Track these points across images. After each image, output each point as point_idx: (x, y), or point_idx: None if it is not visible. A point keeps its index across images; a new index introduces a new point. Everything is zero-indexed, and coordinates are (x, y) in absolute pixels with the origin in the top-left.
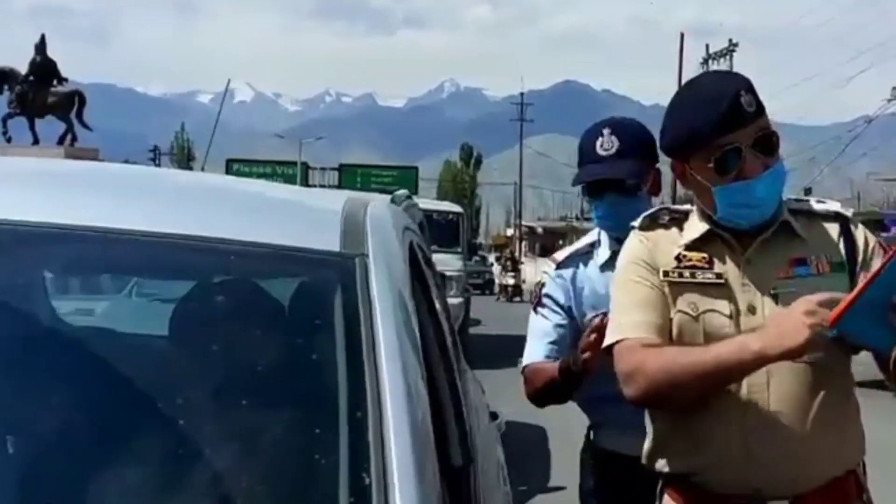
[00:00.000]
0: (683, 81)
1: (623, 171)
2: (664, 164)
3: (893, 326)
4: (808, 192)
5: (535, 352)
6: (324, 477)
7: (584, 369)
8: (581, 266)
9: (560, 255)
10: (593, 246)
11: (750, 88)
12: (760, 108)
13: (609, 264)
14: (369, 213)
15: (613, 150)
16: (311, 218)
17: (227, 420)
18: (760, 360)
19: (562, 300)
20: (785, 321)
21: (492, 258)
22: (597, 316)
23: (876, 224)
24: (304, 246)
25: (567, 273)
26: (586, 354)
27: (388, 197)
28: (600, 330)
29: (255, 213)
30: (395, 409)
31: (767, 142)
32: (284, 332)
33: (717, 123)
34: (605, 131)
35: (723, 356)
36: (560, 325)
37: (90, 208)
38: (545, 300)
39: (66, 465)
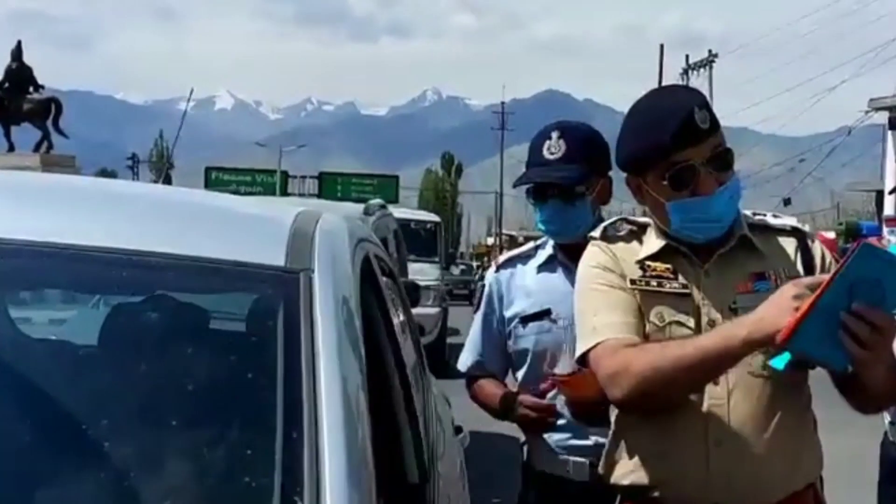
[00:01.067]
0: None
1: (566, 175)
2: (618, 173)
3: (844, 346)
4: (787, 202)
5: (467, 356)
6: (255, 499)
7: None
8: (519, 266)
9: (503, 256)
10: (539, 248)
11: (704, 105)
12: (715, 125)
13: (547, 266)
14: (320, 226)
15: (560, 153)
16: (258, 231)
17: (156, 440)
18: (748, 347)
19: (495, 303)
20: (774, 305)
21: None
22: (537, 388)
23: (853, 233)
24: (247, 260)
25: (505, 274)
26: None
27: (357, 209)
28: (537, 409)
29: (200, 226)
30: (332, 430)
31: (722, 158)
32: (221, 349)
33: (671, 141)
34: (554, 134)
35: (710, 346)
36: (494, 329)
37: (31, 222)
38: (483, 303)
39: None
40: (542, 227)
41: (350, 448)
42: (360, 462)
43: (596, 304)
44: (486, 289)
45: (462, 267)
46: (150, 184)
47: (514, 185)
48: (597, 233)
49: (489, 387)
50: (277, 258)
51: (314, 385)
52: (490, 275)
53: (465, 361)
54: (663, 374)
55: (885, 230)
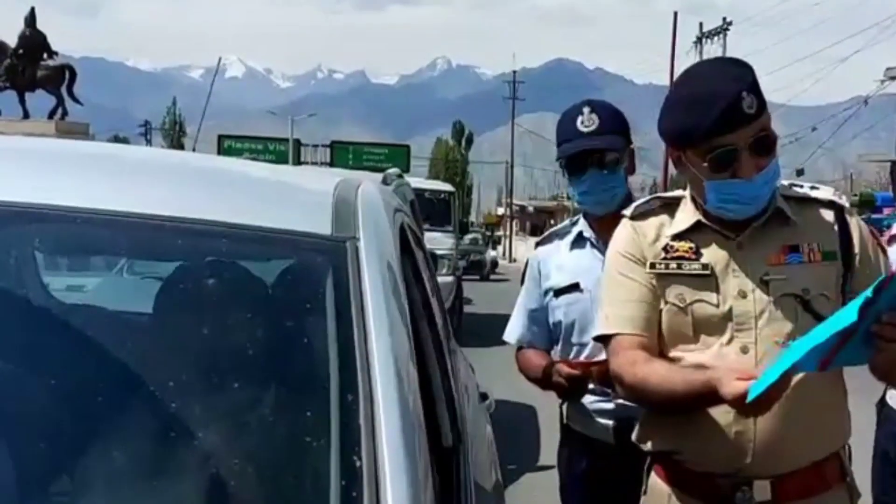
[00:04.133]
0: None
1: (607, 143)
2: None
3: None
4: (799, 173)
5: (513, 329)
6: (315, 459)
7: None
8: (556, 242)
9: (545, 234)
10: (574, 224)
11: (753, 87)
12: (762, 108)
13: (578, 242)
14: (360, 195)
15: (594, 126)
16: (302, 200)
17: (217, 402)
18: (710, 402)
19: (537, 278)
20: (728, 376)
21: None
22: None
23: (868, 205)
24: (295, 229)
25: (542, 251)
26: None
27: (380, 177)
28: (570, 379)
29: (247, 195)
30: (386, 392)
31: (765, 143)
32: (274, 315)
33: (715, 124)
34: (586, 109)
35: (681, 395)
36: (535, 303)
37: (79, 189)
38: (527, 277)
39: (55, 442)
40: (579, 199)
41: (403, 409)
42: (413, 423)
43: (613, 293)
44: (528, 264)
45: (472, 236)
46: (190, 152)
47: (557, 159)
48: (628, 211)
49: (534, 358)
50: (324, 227)
51: (366, 350)
52: (531, 251)
53: (510, 334)
54: (645, 395)
55: None
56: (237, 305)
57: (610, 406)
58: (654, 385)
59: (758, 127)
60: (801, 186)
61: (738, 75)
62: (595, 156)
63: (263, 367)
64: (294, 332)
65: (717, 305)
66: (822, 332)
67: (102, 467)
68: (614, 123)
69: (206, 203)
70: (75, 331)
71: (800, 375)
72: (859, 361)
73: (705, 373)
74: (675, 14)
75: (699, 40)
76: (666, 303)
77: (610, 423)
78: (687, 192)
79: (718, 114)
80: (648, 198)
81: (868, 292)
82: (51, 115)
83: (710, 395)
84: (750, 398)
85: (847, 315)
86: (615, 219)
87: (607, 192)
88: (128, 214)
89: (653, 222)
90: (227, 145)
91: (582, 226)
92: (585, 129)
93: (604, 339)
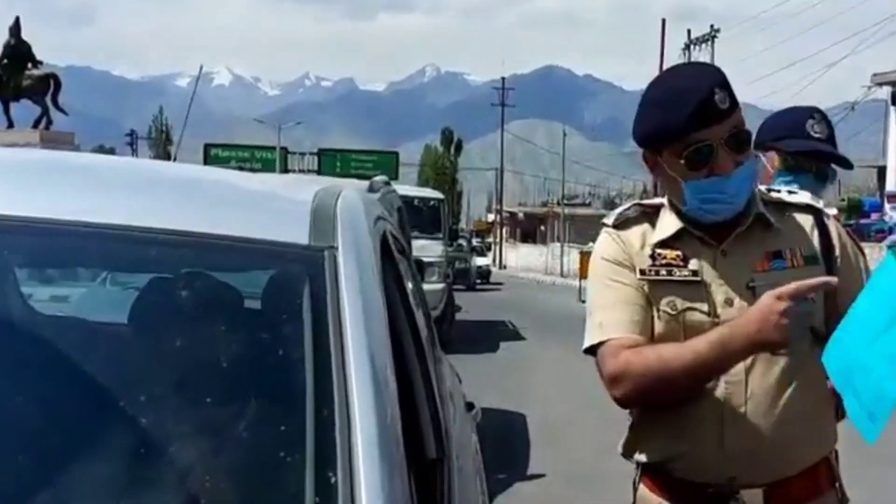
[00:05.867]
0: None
1: (837, 153)
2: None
3: None
4: None
5: None
6: (289, 475)
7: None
8: None
9: None
10: None
11: (724, 84)
12: (734, 105)
13: None
14: (340, 203)
15: (824, 135)
16: (279, 209)
17: (190, 415)
18: (742, 356)
19: None
20: (757, 320)
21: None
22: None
23: (856, 210)
24: (271, 238)
25: None
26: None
27: (362, 185)
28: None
29: (222, 204)
30: (363, 405)
31: (740, 138)
32: (250, 326)
33: (690, 119)
34: (817, 115)
35: (705, 353)
36: None
37: (55, 201)
38: None
39: (31, 456)
40: None
41: (381, 423)
42: (390, 437)
43: (604, 299)
44: None
45: (459, 242)
46: (167, 161)
47: (789, 150)
48: (609, 220)
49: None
50: (301, 236)
51: (343, 362)
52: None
53: None
54: (660, 379)
55: (888, 206)
56: (211, 317)
57: None
58: (670, 356)
59: (732, 123)
60: (779, 191)
61: (709, 73)
62: (818, 162)
63: (236, 380)
64: (269, 344)
65: (708, 313)
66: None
67: (78, 482)
68: (835, 139)
69: (180, 213)
70: (49, 343)
71: (789, 380)
72: None
73: (714, 336)
74: (664, 21)
75: (688, 47)
76: (658, 311)
77: None
78: (666, 200)
79: (692, 110)
80: (628, 205)
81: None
82: (35, 125)
83: (729, 357)
84: (872, 440)
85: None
86: None
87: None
88: (104, 226)
89: (636, 230)
90: (213, 153)
91: None
92: (815, 135)
93: (597, 349)
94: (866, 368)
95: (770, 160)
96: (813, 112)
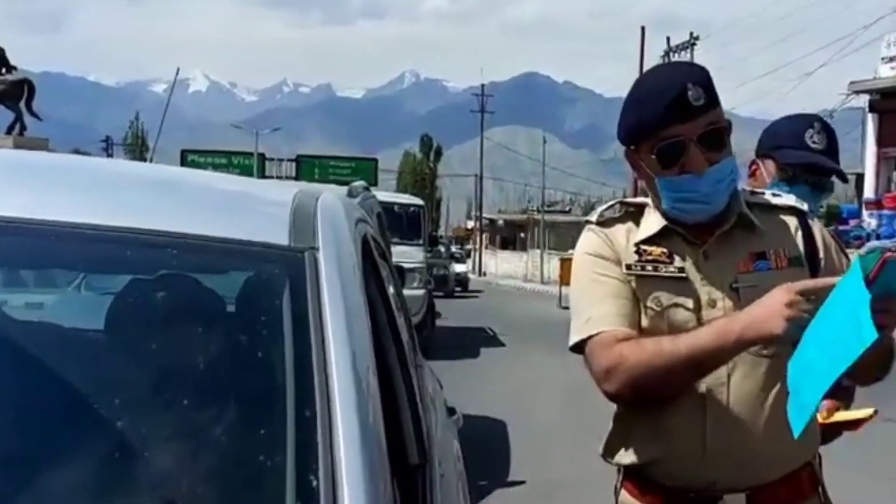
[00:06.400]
0: None
1: (834, 166)
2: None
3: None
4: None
5: None
6: (270, 479)
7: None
8: None
9: None
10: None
11: (700, 81)
12: (712, 102)
13: None
14: (320, 205)
15: (823, 146)
16: (259, 210)
17: (169, 420)
18: (740, 346)
19: None
20: (766, 308)
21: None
22: None
23: (834, 217)
24: (251, 239)
25: None
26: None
27: (342, 189)
28: None
29: (202, 205)
30: (345, 408)
31: (715, 136)
32: (230, 329)
33: (662, 115)
34: (817, 125)
35: (703, 344)
36: None
37: (29, 200)
38: None
39: (7, 462)
40: None
41: (363, 426)
42: (373, 440)
43: (591, 293)
44: None
45: (438, 249)
46: (146, 163)
47: (783, 162)
48: (593, 217)
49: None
50: (281, 237)
51: (325, 363)
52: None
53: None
54: (656, 370)
55: (865, 213)
56: (190, 319)
57: None
58: (668, 346)
59: (707, 120)
60: (763, 194)
61: (686, 70)
62: (814, 174)
63: (216, 383)
64: (249, 346)
65: (693, 310)
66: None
67: (58, 490)
68: (836, 149)
69: (158, 213)
70: (23, 349)
71: (771, 384)
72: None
73: (713, 327)
74: (643, 29)
75: (667, 54)
76: (644, 307)
77: None
78: (650, 199)
79: (664, 105)
80: (612, 203)
81: (862, 297)
82: (9, 131)
83: (727, 347)
84: (797, 434)
85: (856, 332)
86: None
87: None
88: (79, 226)
89: (620, 228)
90: (190, 159)
91: None
92: (814, 145)
93: (584, 344)
94: (811, 366)
95: (767, 169)
96: (813, 121)
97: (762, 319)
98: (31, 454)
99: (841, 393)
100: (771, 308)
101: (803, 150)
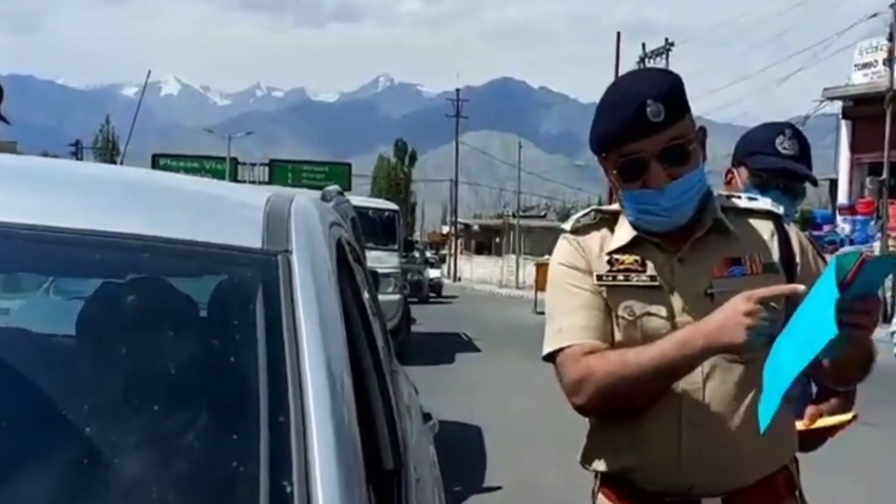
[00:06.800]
0: None
1: (808, 173)
2: None
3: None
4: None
5: None
6: (243, 485)
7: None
8: None
9: None
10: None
11: (662, 95)
12: (674, 116)
13: None
14: (294, 208)
15: (794, 152)
16: (232, 213)
17: (141, 425)
18: (704, 355)
19: None
20: (725, 318)
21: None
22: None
23: (808, 222)
24: (224, 243)
25: None
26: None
27: (316, 193)
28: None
29: (173, 208)
30: (319, 413)
31: (677, 152)
32: (202, 333)
33: (620, 131)
34: (788, 132)
35: (667, 354)
36: None
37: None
38: None
39: None
40: None
41: (338, 431)
42: (348, 445)
43: (563, 304)
44: None
45: (412, 254)
46: (117, 166)
47: (756, 168)
48: (568, 225)
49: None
50: (254, 240)
51: (298, 368)
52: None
53: None
54: (622, 381)
55: (839, 218)
56: (162, 324)
57: None
58: (633, 357)
59: (668, 136)
60: (739, 198)
61: (648, 85)
62: (785, 180)
63: (189, 389)
64: (222, 351)
65: (667, 318)
66: (796, 349)
67: (24, 496)
68: (808, 155)
69: (128, 216)
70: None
71: (747, 389)
72: (837, 353)
73: (676, 337)
74: (619, 34)
75: (643, 60)
76: (616, 317)
77: None
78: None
79: (622, 121)
80: (587, 210)
81: (831, 295)
82: None
83: (691, 357)
84: (763, 430)
85: (823, 325)
86: None
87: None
88: (47, 228)
89: (594, 236)
90: (161, 164)
91: None
92: (784, 152)
93: (556, 355)
94: (781, 364)
95: (741, 176)
96: (784, 128)
97: (722, 329)
98: (5, 458)
99: (841, 399)
100: (730, 317)
101: (774, 155)
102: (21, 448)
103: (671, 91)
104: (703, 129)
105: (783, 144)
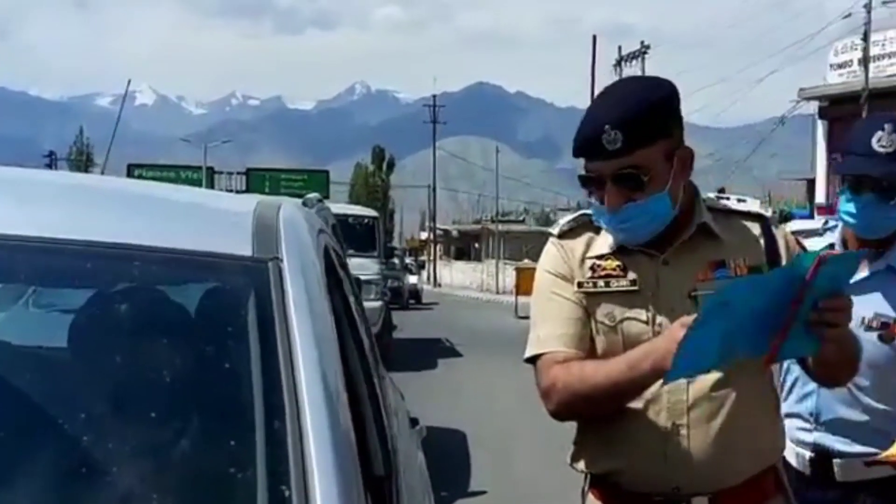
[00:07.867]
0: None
1: (892, 171)
2: None
3: (816, 335)
4: (720, 191)
5: None
6: (241, 491)
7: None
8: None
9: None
10: (828, 230)
11: (625, 122)
12: (633, 145)
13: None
14: (282, 215)
15: (892, 148)
16: (220, 221)
17: (138, 434)
18: (653, 377)
19: None
20: (670, 342)
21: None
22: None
23: (786, 221)
24: (214, 251)
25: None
26: None
27: (297, 201)
28: None
29: (162, 217)
30: (315, 417)
31: (631, 179)
32: (194, 342)
33: (580, 148)
34: (888, 126)
35: (618, 375)
36: None
37: None
38: None
39: None
40: (846, 219)
41: (334, 434)
42: (345, 449)
43: (544, 311)
44: None
45: (392, 261)
46: (102, 176)
47: (837, 172)
48: (556, 230)
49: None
50: (244, 247)
51: (293, 374)
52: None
53: None
54: (579, 397)
55: (817, 218)
56: (156, 333)
57: (810, 437)
58: (591, 372)
59: (624, 163)
60: (728, 199)
61: (624, 107)
62: (877, 181)
63: (184, 397)
64: (216, 359)
65: (647, 322)
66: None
67: None
68: None
69: (116, 225)
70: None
71: (731, 391)
72: (807, 352)
73: (628, 357)
74: (595, 38)
75: (619, 63)
76: (596, 322)
77: (808, 453)
78: None
79: (581, 139)
80: (576, 214)
81: (791, 274)
82: None
83: (641, 378)
84: (669, 379)
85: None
86: (884, 241)
87: (879, 222)
88: (34, 239)
89: (580, 240)
90: (137, 174)
91: (836, 236)
92: (880, 149)
93: (534, 360)
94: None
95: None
96: (885, 123)
97: (667, 355)
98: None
99: None
100: (667, 344)
101: (868, 156)
102: (17, 460)
103: (636, 119)
104: (690, 152)
105: (881, 142)
